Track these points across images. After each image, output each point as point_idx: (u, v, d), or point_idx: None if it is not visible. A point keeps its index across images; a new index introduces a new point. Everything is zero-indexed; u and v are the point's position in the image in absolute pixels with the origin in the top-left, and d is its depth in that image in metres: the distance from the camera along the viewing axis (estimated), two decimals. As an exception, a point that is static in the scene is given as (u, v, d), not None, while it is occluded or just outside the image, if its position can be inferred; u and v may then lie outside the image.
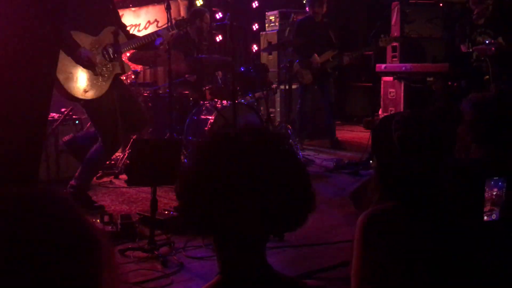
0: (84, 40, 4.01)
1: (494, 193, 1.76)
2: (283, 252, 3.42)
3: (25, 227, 0.85)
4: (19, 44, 2.15)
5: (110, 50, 4.11)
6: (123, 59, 4.32)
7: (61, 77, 3.92)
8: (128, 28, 7.41)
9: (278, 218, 1.18)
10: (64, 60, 3.91)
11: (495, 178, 1.76)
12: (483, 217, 1.74)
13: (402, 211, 1.58)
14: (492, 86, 4.80)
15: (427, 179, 1.57)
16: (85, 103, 4.15)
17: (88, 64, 4.01)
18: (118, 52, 4.15)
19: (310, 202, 1.23)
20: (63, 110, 5.31)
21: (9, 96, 2.18)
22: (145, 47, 4.44)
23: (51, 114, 5.28)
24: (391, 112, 6.80)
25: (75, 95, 4.04)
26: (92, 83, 4.08)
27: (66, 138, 4.62)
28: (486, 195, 1.76)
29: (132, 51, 4.87)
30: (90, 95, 4.08)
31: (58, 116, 5.25)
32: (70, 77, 3.99)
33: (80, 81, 4.04)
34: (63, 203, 0.92)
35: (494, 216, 1.74)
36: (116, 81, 4.22)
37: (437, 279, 1.52)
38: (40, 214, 0.88)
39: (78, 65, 4.00)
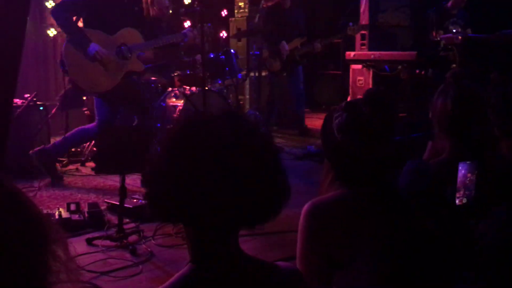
0: (99, 37, 4.32)
1: (468, 177, 1.77)
2: (253, 240, 3.42)
3: None
4: None
5: (124, 49, 4.41)
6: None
7: (74, 71, 4.27)
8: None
9: (252, 207, 1.15)
10: (78, 55, 4.28)
11: (467, 162, 1.77)
12: (455, 201, 1.76)
13: (348, 198, 1.58)
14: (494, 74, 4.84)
15: (369, 167, 1.57)
16: (99, 95, 4.46)
17: (97, 59, 4.28)
18: (131, 52, 4.46)
19: (285, 191, 1.20)
20: (26, 96, 5.18)
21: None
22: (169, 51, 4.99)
23: (14, 100, 5.18)
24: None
25: (85, 88, 4.42)
26: (101, 78, 4.36)
27: (36, 149, 4.68)
28: (460, 179, 1.77)
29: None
30: (97, 89, 4.38)
31: (22, 102, 5.11)
32: (82, 72, 4.31)
33: (92, 75, 4.34)
34: (14, 195, 0.90)
35: (465, 200, 1.76)
36: (127, 78, 4.51)
37: (385, 267, 1.52)
38: None
39: (91, 61, 4.28)
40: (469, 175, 1.78)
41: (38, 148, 4.58)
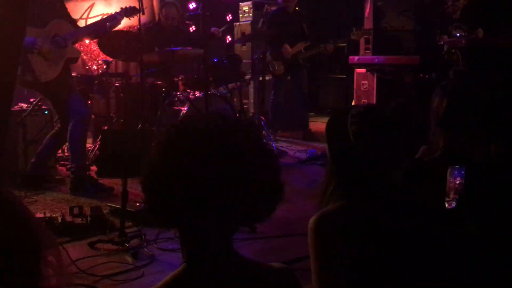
0: (32, 31, 4.33)
1: (457, 182, 1.77)
2: (255, 243, 3.42)
3: None
4: None
5: (59, 39, 4.50)
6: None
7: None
8: (99, 17, 7.43)
9: (245, 208, 1.16)
10: None
11: (457, 167, 1.77)
12: (444, 206, 1.76)
13: (352, 210, 1.55)
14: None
15: (380, 177, 1.55)
16: (43, 88, 4.52)
17: (35, 49, 4.34)
18: (66, 40, 4.53)
19: (279, 192, 1.21)
20: (32, 100, 5.22)
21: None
22: (95, 33, 4.90)
23: (19, 104, 5.23)
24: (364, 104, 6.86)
25: (29, 80, 4.41)
26: (44, 68, 4.42)
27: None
28: (450, 184, 1.77)
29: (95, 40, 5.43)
30: (43, 78, 4.42)
31: (27, 107, 5.16)
32: (25, 66, 4.33)
33: (32, 68, 4.38)
34: (5, 199, 0.91)
35: (453, 204, 1.76)
36: (67, 66, 4.63)
37: (391, 279, 1.50)
38: None
39: (28, 53, 4.32)
40: (458, 179, 1.78)
41: (71, 173, 4.63)
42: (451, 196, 1.77)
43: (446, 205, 1.76)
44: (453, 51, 5.41)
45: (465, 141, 1.95)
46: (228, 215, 1.15)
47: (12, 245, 0.88)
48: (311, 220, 1.57)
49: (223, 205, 1.13)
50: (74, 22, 4.97)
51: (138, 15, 4.63)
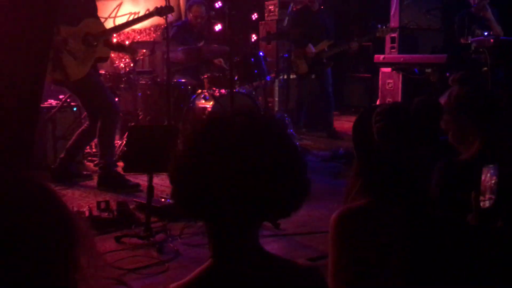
0: (64, 30, 4.45)
1: (493, 181, 1.75)
2: (279, 241, 3.44)
3: (2, 212, 0.87)
4: (13, 42, 2.21)
5: (90, 38, 4.57)
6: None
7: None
8: (127, 16, 7.53)
9: (271, 203, 1.17)
10: None
11: (492, 166, 1.75)
12: (479, 205, 1.73)
13: (376, 208, 1.54)
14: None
15: (405, 174, 1.54)
16: (73, 86, 4.61)
17: (63, 47, 4.44)
18: (97, 39, 4.61)
19: (305, 187, 1.21)
20: (61, 97, 5.32)
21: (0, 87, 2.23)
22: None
23: (49, 100, 5.34)
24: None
25: (59, 78, 4.49)
26: (73, 66, 4.49)
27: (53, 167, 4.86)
28: (485, 183, 1.75)
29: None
30: (73, 77, 4.49)
31: (56, 103, 5.26)
32: (55, 64, 4.41)
33: (62, 66, 4.46)
34: (42, 189, 0.94)
35: (488, 204, 1.74)
36: (96, 65, 4.74)
37: (414, 278, 1.49)
38: (18, 200, 0.90)
39: (59, 52, 4.42)
40: (493, 178, 1.76)
41: (99, 169, 4.70)
42: (487, 196, 1.74)
43: (481, 205, 1.74)
44: (481, 50, 5.36)
45: (500, 140, 1.93)
46: (254, 209, 1.16)
47: (50, 235, 0.91)
48: (333, 216, 1.57)
49: (249, 199, 1.14)
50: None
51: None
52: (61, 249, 0.92)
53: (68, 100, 5.21)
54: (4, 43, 2.20)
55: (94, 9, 4.82)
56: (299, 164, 1.21)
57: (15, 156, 2.26)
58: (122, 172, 4.32)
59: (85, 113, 5.27)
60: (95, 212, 3.67)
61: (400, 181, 1.55)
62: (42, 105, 5.18)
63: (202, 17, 6.28)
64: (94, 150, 5.44)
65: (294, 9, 7.07)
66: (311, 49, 6.59)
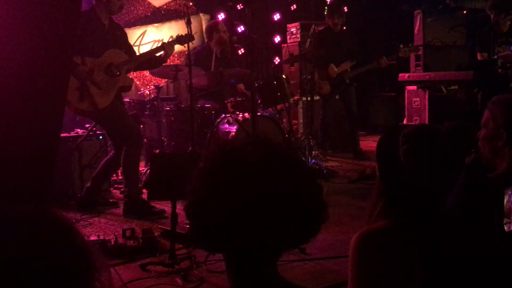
0: (87, 61, 4.57)
1: None
2: (305, 265, 3.38)
3: (21, 248, 0.86)
4: (32, 69, 2.25)
5: (113, 67, 4.67)
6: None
7: (68, 95, 4.29)
8: (151, 43, 7.64)
9: (287, 232, 1.15)
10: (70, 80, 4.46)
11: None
12: (503, 228, 1.68)
13: (397, 230, 1.51)
14: None
15: (430, 198, 1.50)
16: (97, 115, 4.68)
17: (86, 78, 4.53)
18: (120, 69, 4.70)
19: (321, 212, 1.20)
20: (87, 126, 5.40)
21: (23, 117, 2.26)
22: (150, 63, 5.07)
23: (75, 130, 5.42)
24: (416, 122, 6.73)
25: (84, 109, 4.58)
26: (97, 96, 4.58)
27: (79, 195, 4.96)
28: (509, 205, 1.69)
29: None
30: (97, 106, 4.57)
31: (82, 132, 5.34)
32: (76, 94, 4.51)
33: (86, 96, 4.56)
34: (61, 224, 0.94)
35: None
36: (120, 94, 4.81)
37: None
38: (36, 236, 0.89)
39: (83, 83, 4.53)
40: None
41: (124, 197, 4.77)
42: (511, 218, 1.69)
43: (505, 228, 1.68)
44: (508, 65, 5.26)
45: None
46: (269, 240, 1.15)
47: (66, 267, 0.90)
48: (354, 238, 1.55)
49: (264, 230, 1.13)
50: (132, 49, 5.15)
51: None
52: (77, 279, 0.92)
53: (94, 128, 5.28)
54: (23, 75, 2.24)
55: (121, 37, 4.91)
56: (314, 189, 1.20)
57: (35, 188, 2.28)
58: (147, 199, 4.33)
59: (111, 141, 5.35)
60: (121, 240, 3.67)
61: (423, 204, 1.52)
62: (68, 135, 5.27)
63: (225, 42, 6.32)
64: (120, 177, 5.48)
65: (317, 30, 7.08)
66: (334, 69, 6.58)
